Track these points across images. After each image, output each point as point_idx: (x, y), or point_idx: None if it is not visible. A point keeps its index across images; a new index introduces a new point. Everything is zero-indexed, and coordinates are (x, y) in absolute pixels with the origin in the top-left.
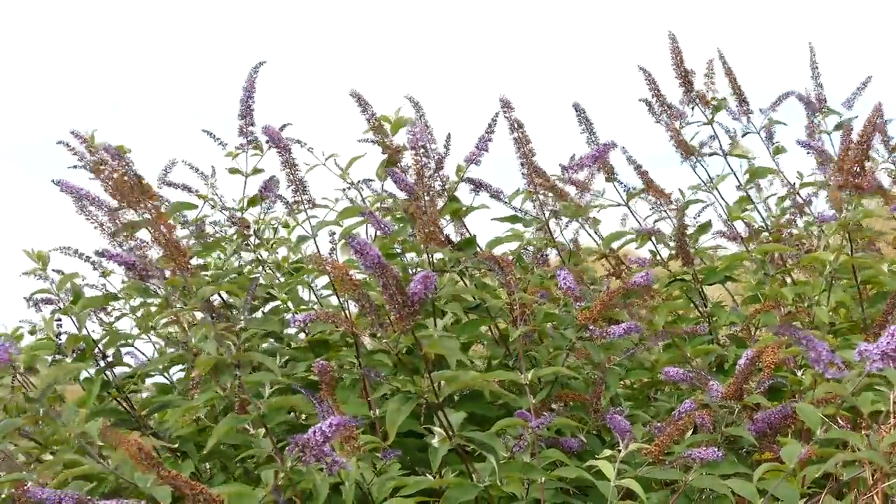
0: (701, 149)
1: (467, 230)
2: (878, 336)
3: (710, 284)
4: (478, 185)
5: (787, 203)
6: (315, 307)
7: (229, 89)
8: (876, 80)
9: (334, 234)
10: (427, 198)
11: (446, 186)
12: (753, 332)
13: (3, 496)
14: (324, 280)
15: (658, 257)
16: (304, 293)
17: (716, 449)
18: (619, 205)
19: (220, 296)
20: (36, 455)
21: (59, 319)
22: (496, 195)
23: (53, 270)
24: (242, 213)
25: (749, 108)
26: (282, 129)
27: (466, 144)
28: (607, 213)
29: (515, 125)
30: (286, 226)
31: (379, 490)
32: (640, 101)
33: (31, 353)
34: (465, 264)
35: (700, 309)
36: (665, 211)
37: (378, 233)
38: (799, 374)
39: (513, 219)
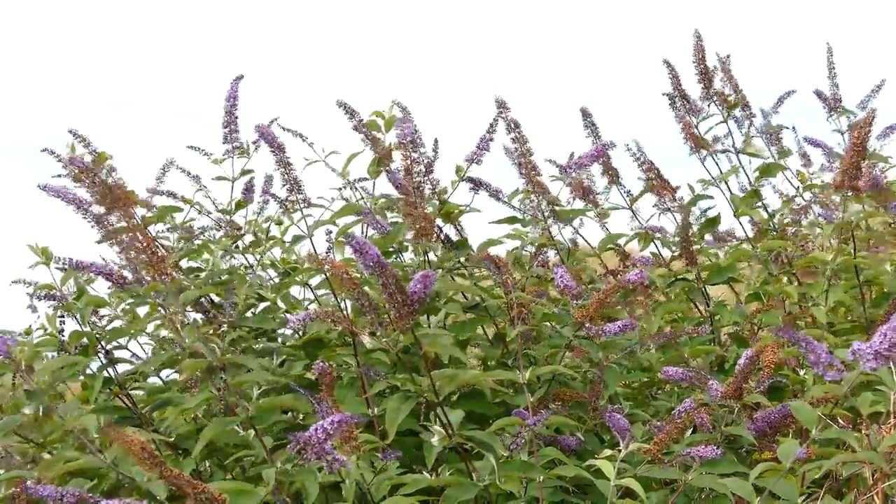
0: (715, 144)
1: (461, 232)
2: (873, 335)
3: (714, 284)
4: (477, 184)
5: (796, 203)
6: (310, 307)
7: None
8: (891, 83)
9: (331, 233)
10: (418, 194)
11: (436, 189)
12: (755, 331)
13: (1, 496)
14: (318, 279)
15: (661, 258)
16: (300, 293)
17: (715, 448)
18: (622, 208)
19: (210, 298)
20: (32, 454)
21: (63, 316)
22: (495, 194)
23: (56, 267)
24: (231, 217)
25: (752, 112)
26: (270, 123)
27: (467, 143)
28: (613, 214)
29: (512, 125)
30: (279, 223)
31: (377, 489)
32: (663, 94)
33: (34, 350)
34: (460, 263)
35: (702, 309)
36: (670, 207)
37: (374, 233)
38: (801, 373)
39: (511, 220)
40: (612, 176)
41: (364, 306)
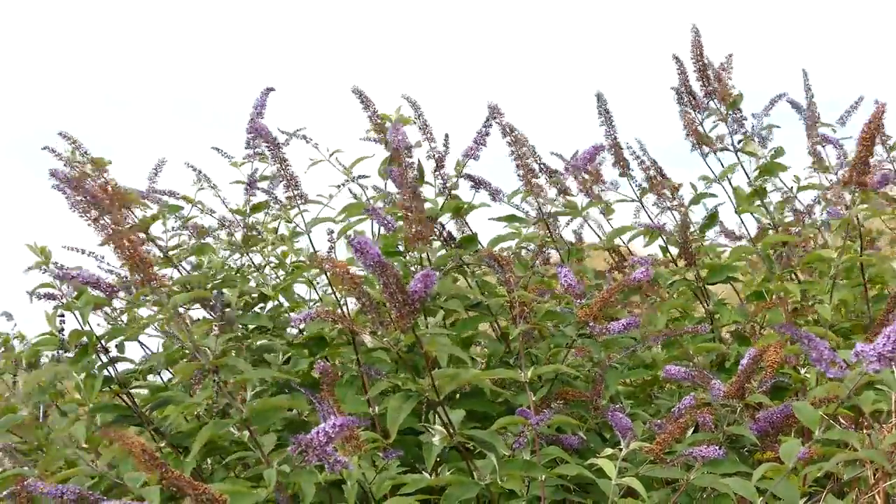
0: (717, 141)
1: (469, 228)
2: (877, 337)
3: (714, 283)
4: (477, 183)
5: (795, 204)
6: (314, 305)
7: (229, 88)
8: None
9: (332, 231)
10: (414, 197)
11: (447, 185)
12: (757, 329)
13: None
14: (325, 277)
15: (668, 255)
16: (306, 291)
17: (717, 448)
18: (631, 200)
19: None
20: (29, 453)
21: (62, 315)
22: (495, 194)
23: (55, 265)
24: (246, 218)
25: (743, 116)
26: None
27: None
28: (621, 206)
29: (507, 129)
30: (288, 221)
31: (378, 488)
32: (671, 89)
33: (34, 349)
34: (465, 261)
35: (704, 306)
36: (670, 206)
37: (381, 230)
38: (802, 372)
39: (510, 218)
40: (623, 167)
41: (365, 305)
